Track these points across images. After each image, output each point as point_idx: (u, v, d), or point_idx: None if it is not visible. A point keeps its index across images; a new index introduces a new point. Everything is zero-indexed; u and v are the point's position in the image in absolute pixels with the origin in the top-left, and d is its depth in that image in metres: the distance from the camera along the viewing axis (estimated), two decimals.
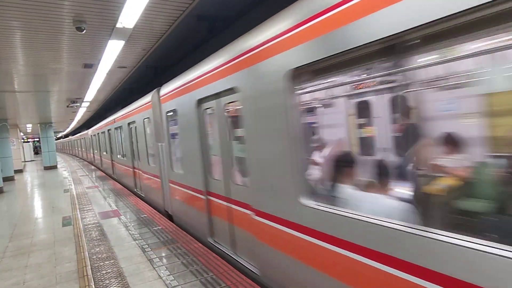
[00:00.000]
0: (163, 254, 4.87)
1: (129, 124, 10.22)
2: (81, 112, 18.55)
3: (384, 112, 4.59)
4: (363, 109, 4.97)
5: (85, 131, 23.06)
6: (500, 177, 2.83)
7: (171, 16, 5.15)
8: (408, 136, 2.66)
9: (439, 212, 2.24)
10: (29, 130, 28.74)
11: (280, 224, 3.27)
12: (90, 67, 7.88)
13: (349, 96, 4.98)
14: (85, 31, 5.18)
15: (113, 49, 6.51)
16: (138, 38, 6.07)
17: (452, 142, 3.42)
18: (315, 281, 2.86)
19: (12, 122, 19.75)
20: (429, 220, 2.04)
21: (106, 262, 4.73)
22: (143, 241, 5.56)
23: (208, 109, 4.90)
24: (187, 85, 5.29)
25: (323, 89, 3.98)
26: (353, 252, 2.43)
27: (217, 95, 4.43)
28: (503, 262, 1.61)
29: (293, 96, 2.95)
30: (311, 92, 4.01)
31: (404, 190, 2.60)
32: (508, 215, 2.56)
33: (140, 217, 7.15)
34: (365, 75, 3.36)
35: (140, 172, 9.57)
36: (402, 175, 2.89)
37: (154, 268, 4.41)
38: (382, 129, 4.73)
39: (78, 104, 14.01)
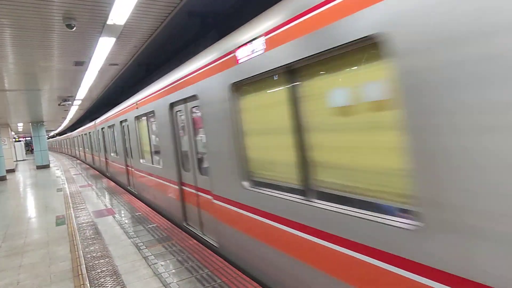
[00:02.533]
0: (158, 252, 4.88)
1: None
2: (73, 111, 18.37)
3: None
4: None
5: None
6: None
7: (163, 12, 5.11)
8: None
9: None
10: (20, 129, 28.41)
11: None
12: (81, 64, 7.80)
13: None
14: (75, 28, 5.12)
15: (104, 46, 6.45)
16: (129, 35, 6.02)
17: None
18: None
19: (3, 121, 19.50)
20: None
21: (101, 261, 4.72)
22: (138, 239, 5.56)
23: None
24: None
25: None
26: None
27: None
28: None
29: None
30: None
31: None
32: None
33: (134, 215, 7.14)
34: None
35: None
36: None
37: (150, 265, 4.41)
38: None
39: (70, 103, 13.86)
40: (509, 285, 1.53)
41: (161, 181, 6.94)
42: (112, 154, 13.12)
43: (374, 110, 2.23)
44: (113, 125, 11.60)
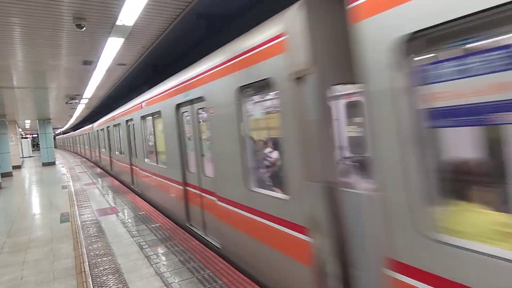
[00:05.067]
0: (161, 251, 4.90)
1: None
2: (80, 109, 18.53)
3: None
4: None
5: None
6: None
7: (171, 14, 5.16)
8: None
9: None
10: (27, 126, 28.71)
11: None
12: (89, 64, 7.88)
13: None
14: (84, 28, 5.18)
15: (112, 47, 6.51)
16: (137, 35, 6.08)
17: None
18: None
19: (10, 118, 19.70)
20: None
21: (104, 259, 4.75)
22: (140, 238, 5.59)
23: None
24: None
25: None
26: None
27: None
28: None
29: None
30: None
31: None
32: None
33: (138, 215, 7.17)
34: None
35: None
36: None
37: (152, 265, 4.44)
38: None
39: (77, 101, 13.98)
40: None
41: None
42: None
43: None
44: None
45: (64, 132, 52.84)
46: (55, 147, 55.40)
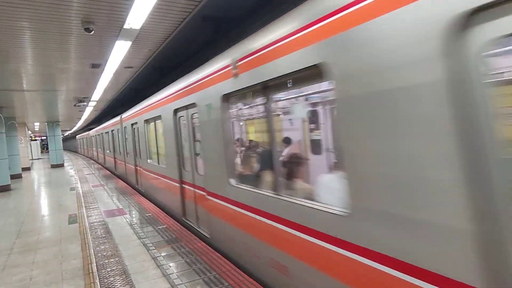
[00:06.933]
0: (167, 253, 4.93)
1: None
2: (88, 111, 18.73)
3: None
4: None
5: None
6: None
7: (178, 17, 5.20)
8: None
9: None
10: (36, 128, 29.10)
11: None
12: (97, 67, 7.98)
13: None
14: (93, 32, 5.25)
15: (120, 50, 6.59)
16: (144, 39, 6.14)
17: None
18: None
19: (20, 120, 20.00)
20: None
21: (111, 260, 4.79)
22: (147, 239, 5.63)
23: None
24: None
25: None
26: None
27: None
28: None
29: None
30: None
31: None
32: None
33: (144, 216, 7.22)
34: None
35: None
36: None
37: (158, 266, 4.46)
38: None
39: (85, 104, 14.14)
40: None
41: None
42: None
43: None
44: None
45: (88, 128, 32.90)
46: (76, 151, 52.15)
